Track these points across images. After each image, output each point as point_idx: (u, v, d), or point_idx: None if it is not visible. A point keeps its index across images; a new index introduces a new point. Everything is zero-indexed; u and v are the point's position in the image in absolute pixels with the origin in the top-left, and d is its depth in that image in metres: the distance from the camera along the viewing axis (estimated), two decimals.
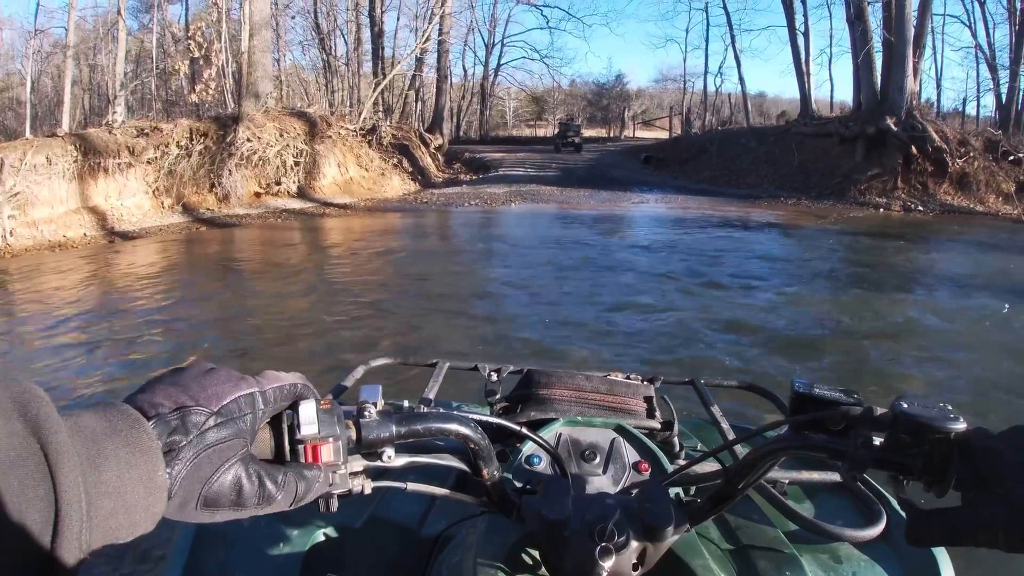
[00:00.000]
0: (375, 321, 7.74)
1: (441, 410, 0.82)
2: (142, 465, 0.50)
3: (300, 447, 0.64)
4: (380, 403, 0.74)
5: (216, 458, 0.56)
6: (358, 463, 0.72)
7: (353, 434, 0.69)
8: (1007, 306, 8.65)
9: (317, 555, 1.17)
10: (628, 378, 1.59)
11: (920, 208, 19.59)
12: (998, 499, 0.61)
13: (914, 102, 22.90)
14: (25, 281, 10.42)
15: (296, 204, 18.15)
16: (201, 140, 17.37)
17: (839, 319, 8.17)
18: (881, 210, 19.40)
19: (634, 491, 0.98)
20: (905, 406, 0.71)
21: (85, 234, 14.33)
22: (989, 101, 33.32)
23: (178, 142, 16.95)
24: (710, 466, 1.12)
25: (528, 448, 1.07)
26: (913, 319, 8.25)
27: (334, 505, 0.72)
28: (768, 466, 0.87)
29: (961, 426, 0.68)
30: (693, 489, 1.14)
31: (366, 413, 0.71)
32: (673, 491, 0.97)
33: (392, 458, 0.73)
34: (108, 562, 3.17)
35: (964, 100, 40.12)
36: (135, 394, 0.56)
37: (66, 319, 8.04)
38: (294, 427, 0.64)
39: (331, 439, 0.65)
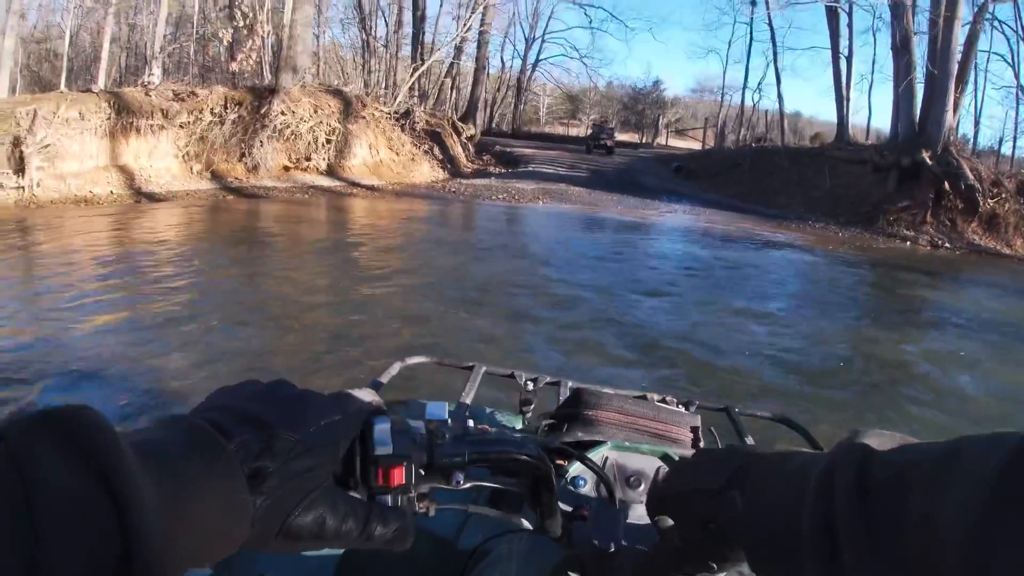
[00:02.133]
0: (386, 307, 7.66)
1: (505, 432, 0.78)
2: (222, 491, 0.45)
3: (372, 468, 0.60)
4: (448, 423, 0.70)
5: (302, 488, 0.51)
6: (424, 485, 0.68)
7: (425, 457, 0.65)
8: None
9: (351, 561, 1.15)
10: (664, 400, 1.62)
11: (947, 245, 19.28)
12: None
13: (951, 137, 22.61)
14: (48, 232, 10.44)
15: (324, 181, 18.17)
16: (235, 109, 17.38)
17: (847, 350, 8.05)
18: (908, 243, 19.14)
19: None
20: None
21: (112, 192, 14.37)
22: None
23: (212, 109, 16.99)
24: None
25: (575, 469, 1.05)
26: (923, 358, 8.10)
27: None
28: None
29: None
30: None
31: (440, 436, 0.67)
32: None
33: (462, 483, 0.69)
34: None
35: (1000, 139, 39.66)
36: (209, 409, 0.52)
37: (82, 275, 8.06)
38: (367, 446, 0.60)
39: (405, 461, 0.61)
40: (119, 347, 5.71)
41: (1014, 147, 35.95)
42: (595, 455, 1.11)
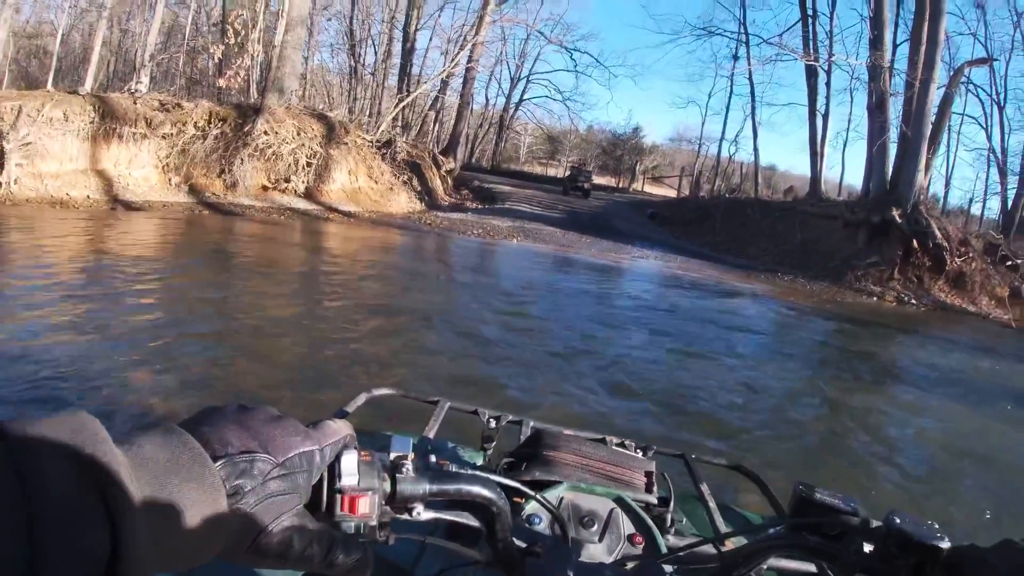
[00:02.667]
0: (350, 335, 7.69)
1: (467, 468, 0.80)
2: (206, 503, 0.50)
3: (338, 496, 0.64)
4: (411, 456, 0.73)
5: (275, 508, 0.56)
6: (386, 515, 0.71)
7: (388, 487, 0.69)
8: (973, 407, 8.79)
9: None
10: (623, 444, 1.67)
11: (913, 301, 19.68)
12: None
13: (922, 196, 23.03)
14: (22, 232, 10.43)
15: (301, 204, 18.16)
16: (219, 125, 17.41)
17: (807, 402, 8.24)
18: (875, 299, 19.46)
19: (628, 563, 1.04)
20: (897, 521, 0.78)
21: (88, 196, 14.36)
22: (995, 204, 33.91)
23: (196, 123, 17.00)
24: (702, 548, 1.16)
25: (531, 507, 1.09)
26: (881, 413, 8.32)
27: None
28: (763, 559, 0.93)
29: (946, 544, 0.75)
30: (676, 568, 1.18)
31: (403, 469, 0.71)
32: (667, 569, 1.03)
33: (421, 514, 0.74)
34: None
35: (971, 200, 40.73)
36: (198, 425, 0.56)
37: (50, 276, 8.10)
38: (334, 476, 0.64)
39: (369, 492, 0.65)
40: (71, 350, 5.79)
41: (983, 208, 37.05)
42: (551, 495, 1.16)
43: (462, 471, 0.79)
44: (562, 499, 1.18)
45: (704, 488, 1.62)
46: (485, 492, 0.78)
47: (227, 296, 8.77)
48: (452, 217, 21.74)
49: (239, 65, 19.22)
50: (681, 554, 1.10)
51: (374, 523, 0.67)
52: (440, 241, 17.66)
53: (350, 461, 0.65)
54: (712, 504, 1.54)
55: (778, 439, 6.76)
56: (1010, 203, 28.82)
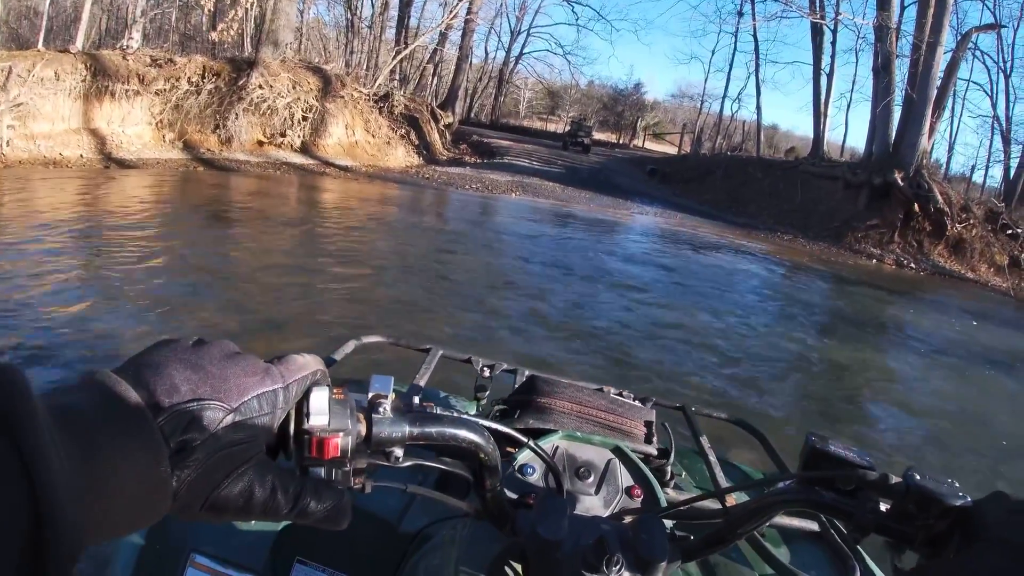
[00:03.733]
0: (347, 286, 7.67)
1: (455, 413, 0.75)
2: (142, 463, 0.45)
3: (306, 438, 0.59)
4: (391, 396, 0.68)
5: (229, 462, 0.51)
6: (362, 460, 0.65)
7: (363, 429, 0.63)
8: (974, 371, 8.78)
9: (288, 538, 1.15)
10: (622, 394, 1.61)
11: (912, 265, 19.74)
12: (993, 547, 0.60)
13: (924, 160, 23.00)
14: (14, 193, 10.33)
15: (297, 159, 18.04)
16: (213, 79, 17.21)
17: (805, 360, 8.23)
18: (874, 261, 19.54)
19: (626, 517, 0.96)
20: (917, 478, 0.72)
21: (82, 155, 14.23)
22: (997, 172, 33.86)
23: (189, 78, 16.82)
24: (703, 503, 1.08)
25: (524, 456, 1.03)
26: (881, 375, 8.32)
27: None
28: (771, 515, 0.86)
29: (968, 502, 0.69)
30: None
31: (380, 409, 0.65)
32: (667, 524, 0.94)
33: (400, 459, 0.68)
34: None
35: (973, 167, 40.97)
36: (143, 368, 0.50)
37: (43, 236, 8.00)
38: (302, 415, 0.59)
39: (340, 433, 0.60)
40: (67, 306, 5.74)
41: (986, 175, 36.95)
42: (545, 443, 1.10)
43: (446, 414, 0.73)
44: (557, 448, 1.11)
45: (704, 441, 1.56)
46: (472, 436, 0.73)
47: (222, 252, 8.71)
48: (450, 171, 21.65)
49: (232, 17, 18.94)
50: (682, 508, 1.02)
51: (347, 468, 0.62)
52: (437, 195, 17.61)
53: (320, 399, 0.59)
54: (712, 458, 1.48)
55: (778, 395, 6.76)
56: (1012, 172, 28.82)
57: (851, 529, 0.76)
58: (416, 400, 0.73)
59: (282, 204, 12.99)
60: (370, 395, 0.66)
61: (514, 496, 0.95)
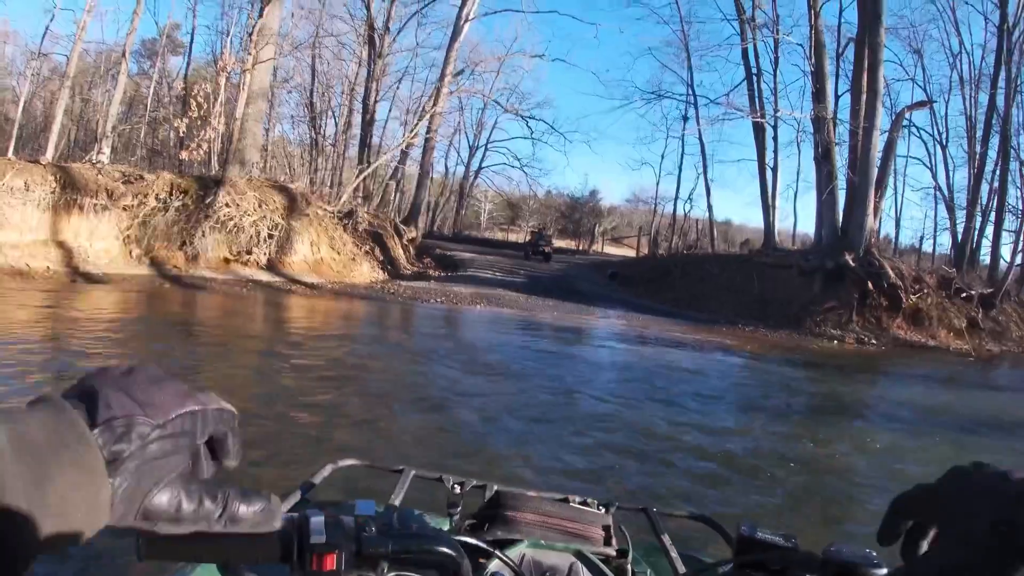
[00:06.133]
0: (315, 415, 7.70)
1: (432, 528, 0.82)
2: (88, 485, 0.50)
3: (308, 555, 0.68)
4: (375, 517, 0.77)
5: (155, 473, 0.55)
6: (353, 573, 0.73)
7: (355, 546, 0.71)
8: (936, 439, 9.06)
9: None
10: (585, 502, 1.62)
11: (874, 341, 20.28)
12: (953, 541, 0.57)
13: (873, 239, 23.95)
14: None
15: (264, 276, 18.11)
16: (180, 197, 17.51)
17: (777, 448, 8.37)
18: (835, 342, 19.94)
19: None
20: (833, 550, 0.84)
21: (48, 267, 14.31)
22: (945, 240, 35.08)
23: (157, 194, 17.12)
24: None
25: (493, 566, 1.11)
26: (843, 452, 8.51)
27: None
28: None
29: (883, 572, 0.80)
30: None
31: (367, 528, 0.73)
32: None
33: (386, 571, 0.75)
34: None
35: (921, 238, 42.16)
36: (83, 392, 0.55)
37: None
38: (304, 534, 0.68)
39: (336, 550, 0.69)
40: None
41: (934, 244, 38.24)
42: (512, 552, 1.19)
43: (424, 530, 0.80)
44: (524, 556, 1.21)
45: (665, 538, 1.61)
46: (447, 550, 0.79)
47: (183, 373, 8.71)
48: (415, 286, 21.72)
49: (202, 138, 19.34)
50: None
51: None
52: (403, 310, 17.69)
53: (318, 522, 0.69)
54: (673, 553, 1.54)
55: (748, 488, 6.87)
56: (960, 236, 29.93)
57: None
58: (395, 518, 0.80)
59: (248, 322, 13.06)
60: (357, 517, 0.74)
61: None
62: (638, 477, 7.25)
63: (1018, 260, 26.77)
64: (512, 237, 53.77)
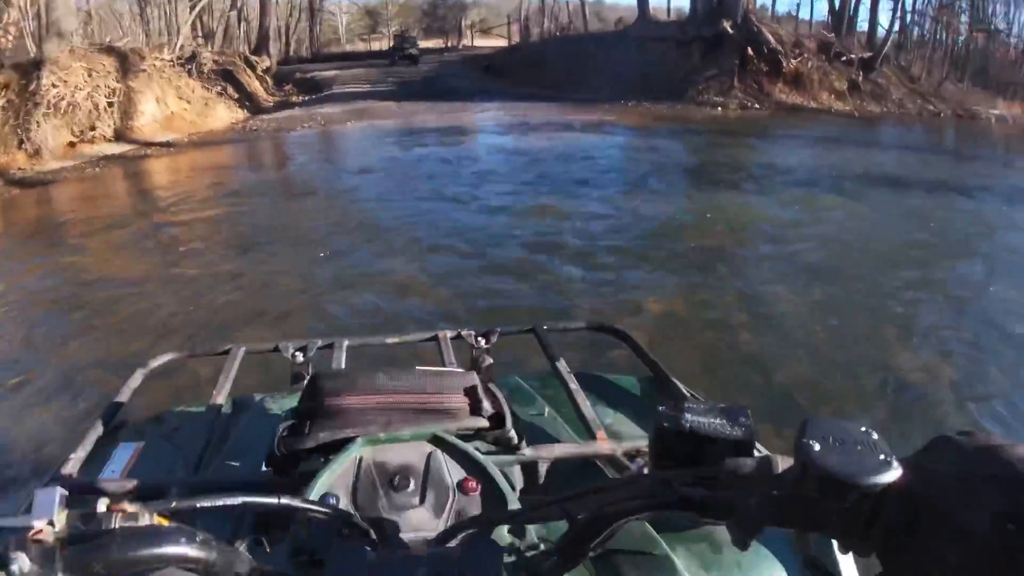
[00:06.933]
0: (204, 274, 7.54)
1: (152, 523, 0.59)
2: None
3: None
4: (61, 521, 0.54)
5: None
6: None
7: None
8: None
9: None
10: (460, 335, 1.52)
11: (756, 106, 20.86)
12: (953, 544, 0.46)
13: (750, 5, 23.80)
14: None
15: (115, 149, 17.01)
16: (3, 93, 16.12)
17: (679, 213, 8.55)
18: (719, 109, 20.53)
19: (459, 535, 0.76)
20: (817, 448, 0.53)
21: None
22: (822, 7, 35.34)
23: None
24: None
25: (318, 490, 0.85)
26: (742, 208, 8.73)
27: None
28: (625, 523, 0.69)
29: (894, 475, 0.52)
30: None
31: (13, 561, 0.50)
32: (507, 540, 0.80)
33: None
34: None
35: (798, 5, 42.35)
36: None
37: None
38: None
39: None
40: None
41: (811, 10, 38.36)
42: (344, 460, 0.89)
43: (137, 525, 0.58)
44: (361, 460, 0.90)
45: (561, 363, 1.39)
46: (175, 551, 0.58)
47: (63, 268, 8.31)
48: (279, 116, 21.05)
49: (7, 22, 17.72)
50: (527, 512, 0.81)
51: None
52: (272, 143, 17.23)
53: None
54: (573, 385, 1.31)
55: (650, 265, 6.98)
56: (838, 3, 29.52)
57: (736, 531, 0.60)
58: (108, 513, 0.58)
59: (111, 203, 12.42)
60: (24, 530, 0.52)
61: (307, 557, 0.76)
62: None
63: (896, 26, 26.77)
64: (376, 46, 51.87)
